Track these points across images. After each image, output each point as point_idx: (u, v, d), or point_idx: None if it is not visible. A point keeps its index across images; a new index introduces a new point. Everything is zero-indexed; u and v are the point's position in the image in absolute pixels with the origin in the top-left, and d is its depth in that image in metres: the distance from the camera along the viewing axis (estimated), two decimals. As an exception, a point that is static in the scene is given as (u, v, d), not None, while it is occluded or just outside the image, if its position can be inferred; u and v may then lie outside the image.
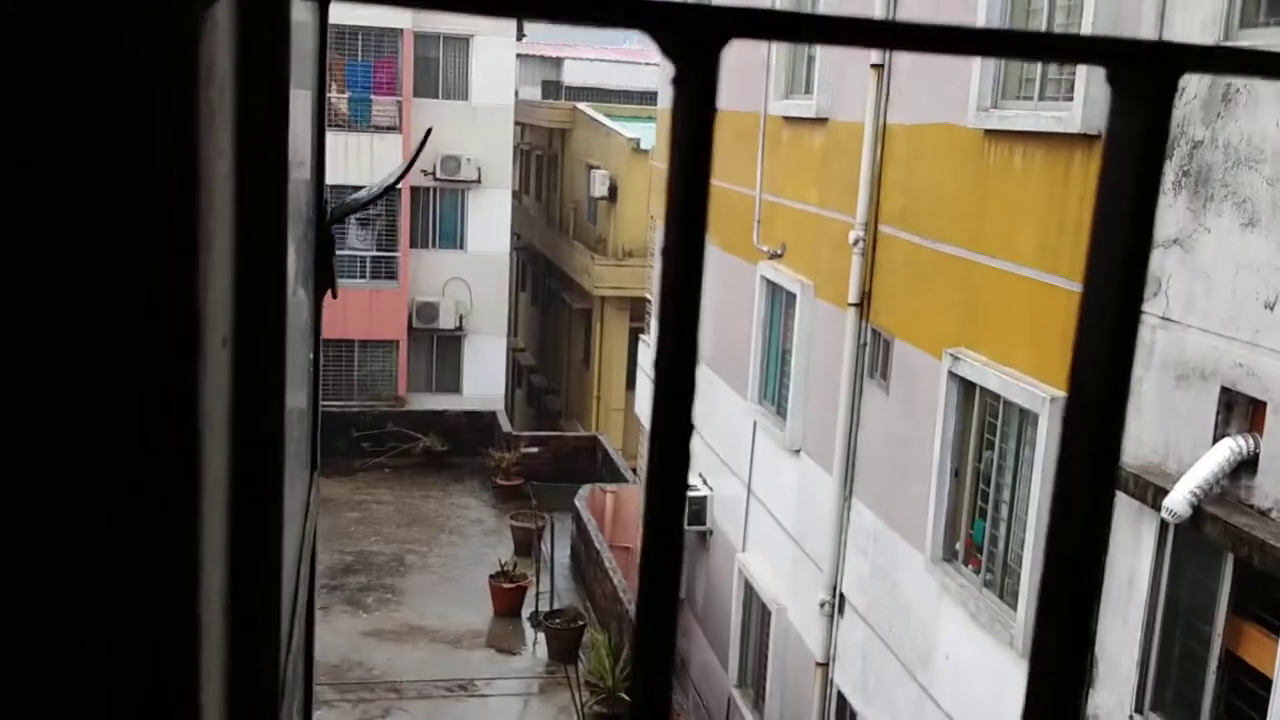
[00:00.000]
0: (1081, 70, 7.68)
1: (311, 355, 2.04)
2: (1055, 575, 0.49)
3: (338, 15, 24.98)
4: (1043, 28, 8.45)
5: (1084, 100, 7.64)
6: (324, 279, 2.04)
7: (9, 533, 0.56)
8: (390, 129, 26.28)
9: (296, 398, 1.61)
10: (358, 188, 26.27)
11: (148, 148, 0.51)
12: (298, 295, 1.67)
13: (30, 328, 0.54)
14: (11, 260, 0.52)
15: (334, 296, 2.13)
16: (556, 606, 18.03)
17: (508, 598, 18.41)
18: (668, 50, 0.36)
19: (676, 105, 0.37)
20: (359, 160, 25.45)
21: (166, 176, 0.52)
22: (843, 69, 11.56)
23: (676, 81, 0.36)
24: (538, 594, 18.23)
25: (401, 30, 26.25)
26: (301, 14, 1.49)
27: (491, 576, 18.60)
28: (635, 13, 0.36)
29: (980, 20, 8.90)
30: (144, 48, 0.50)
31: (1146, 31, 7.05)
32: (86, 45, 0.49)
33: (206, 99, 0.56)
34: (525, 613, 18.43)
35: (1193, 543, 6.71)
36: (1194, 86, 6.70)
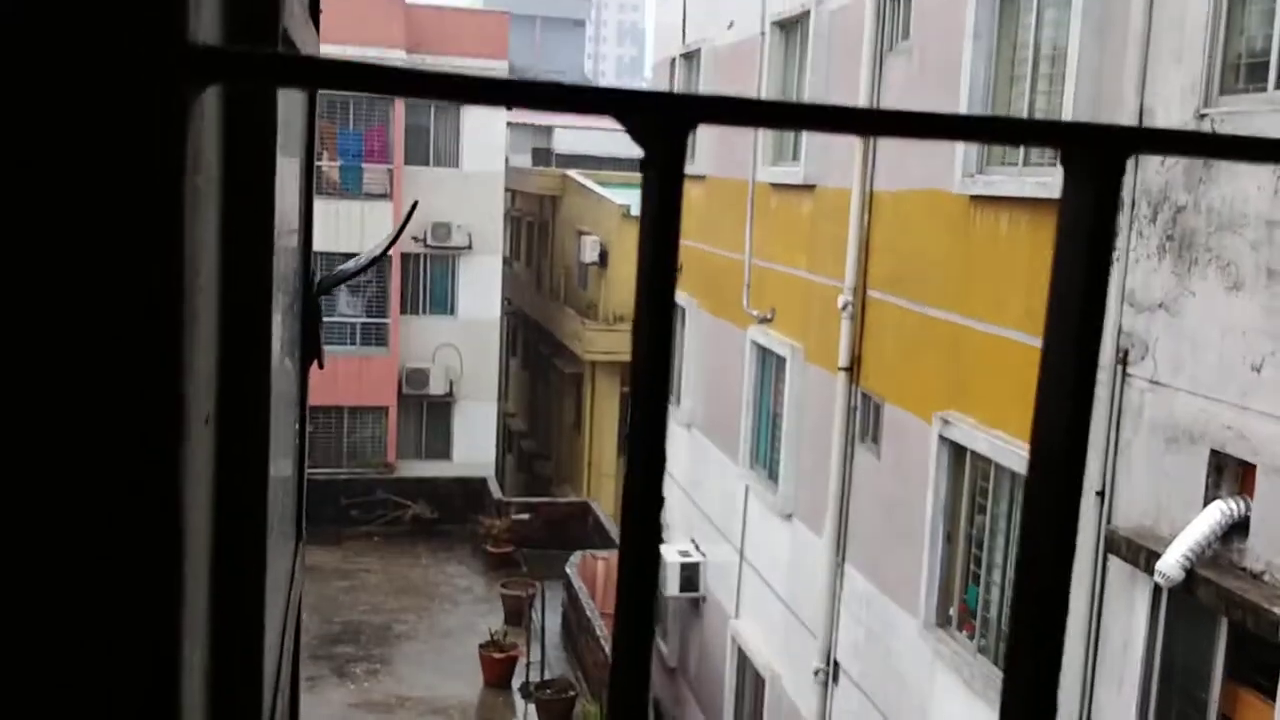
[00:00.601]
0: (1065, 136, 7.77)
1: (297, 425, 2.03)
2: (1022, 631, 0.50)
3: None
4: (1025, 95, 8.57)
5: (1068, 166, 7.72)
6: (311, 349, 2.04)
7: None
8: (381, 196, 26.45)
9: (281, 468, 1.61)
10: (349, 254, 26.32)
11: (132, 234, 0.52)
12: (284, 365, 1.67)
13: (13, 411, 0.54)
14: None
15: (320, 367, 2.13)
16: (547, 676, 17.82)
17: (498, 668, 18.19)
18: (637, 135, 0.37)
19: (645, 185, 0.38)
20: (350, 227, 25.59)
21: (150, 262, 0.53)
22: (829, 136, 11.69)
23: (645, 164, 0.37)
24: (528, 664, 18.03)
25: (393, 99, 26.52)
26: (289, 96, 1.51)
27: (481, 646, 18.40)
28: (607, 100, 0.37)
29: (964, 88, 9.02)
30: (131, 137, 0.50)
31: (1129, 99, 7.15)
32: (74, 134, 0.50)
33: (192, 186, 0.57)
34: (516, 683, 18.21)
35: (1186, 606, 6.68)
36: (1176, 152, 6.77)
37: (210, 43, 0.71)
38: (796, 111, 0.39)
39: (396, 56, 26.37)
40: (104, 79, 0.49)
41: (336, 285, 2.78)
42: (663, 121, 0.36)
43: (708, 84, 15.43)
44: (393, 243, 3.48)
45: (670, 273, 0.38)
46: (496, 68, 27.71)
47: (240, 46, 0.53)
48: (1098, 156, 0.45)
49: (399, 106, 26.61)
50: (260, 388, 0.99)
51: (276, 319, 1.45)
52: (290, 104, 1.62)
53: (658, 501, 0.44)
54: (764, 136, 13.29)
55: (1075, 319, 0.46)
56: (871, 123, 0.44)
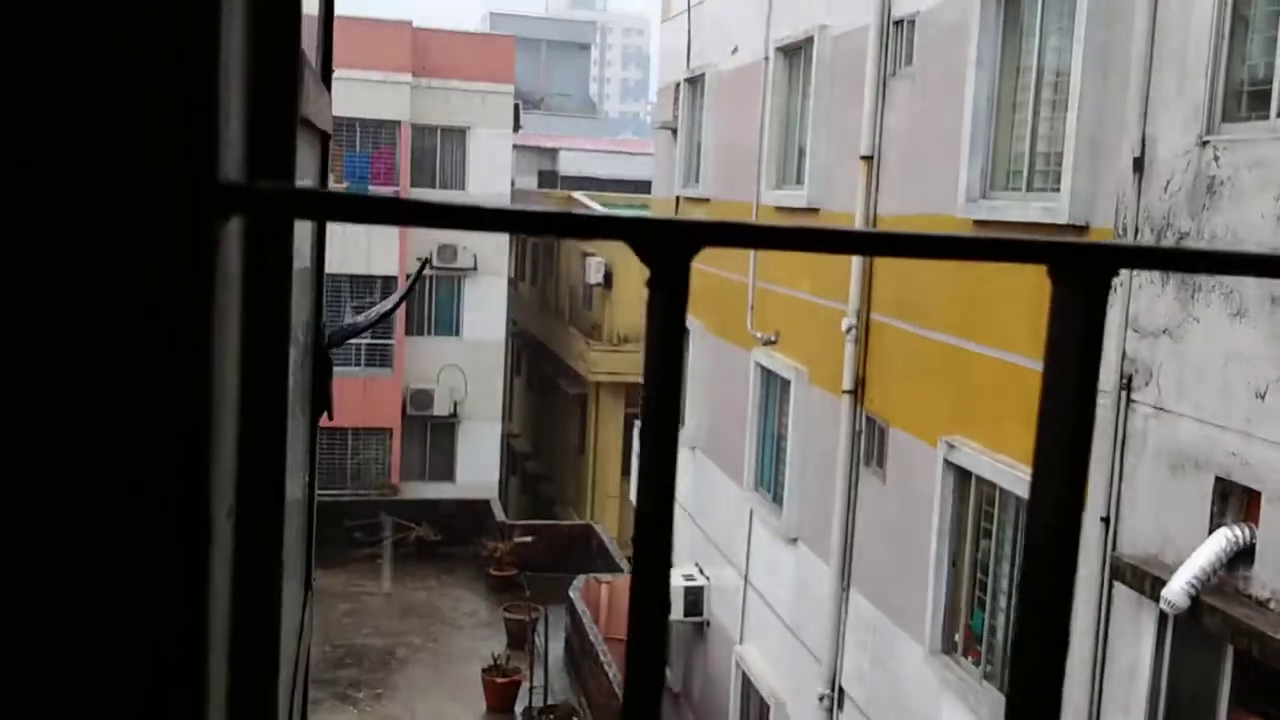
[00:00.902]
0: (1068, 161, 7.80)
1: (307, 477, 2.04)
2: (1026, 650, 0.52)
3: (337, 107, 25.31)
4: (1028, 122, 8.60)
5: (1071, 191, 7.75)
6: (321, 401, 2.05)
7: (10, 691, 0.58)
8: (386, 219, 26.49)
9: (292, 527, 1.62)
10: (355, 276, 26.46)
11: (165, 356, 0.56)
12: (295, 420, 1.69)
13: (58, 518, 0.57)
14: (26, 451, 0.56)
15: (330, 418, 2.14)
16: (550, 702, 17.76)
17: (501, 693, 18.14)
18: (644, 258, 0.39)
19: (651, 304, 0.40)
20: (356, 250, 25.66)
21: (182, 382, 0.56)
22: (833, 161, 11.73)
23: (651, 284, 0.39)
24: (531, 688, 17.97)
25: (399, 122, 26.64)
26: (302, 161, 1.53)
27: (484, 670, 18.35)
28: (617, 226, 0.38)
29: (966, 115, 9.05)
30: (165, 267, 0.54)
31: (1131, 126, 7.17)
32: (112, 265, 0.54)
33: (220, 305, 0.60)
34: (519, 708, 18.15)
35: (1192, 634, 6.66)
36: (1179, 178, 6.80)
37: (233, 155, 0.76)
38: (798, 235, 0.41)
39: (403, 80, 26.50)
40: (140, 214, 0.53)
41: (348, 339, 2.81)
42: (670, 246, 0.37)
43: (712, 108, 15.49)
44: (405, 297, 3.53)
45: (675, 388, 0.40)
46: (502, 91, 27.83)
47: (265, 185, 0.56)
48: (1086, 272, 0.46)
49: (405, 130, 26.72)
50: (277, 478, 1.03)
51: (289, 375, 1.48)
52: (309, 158, 1.64)
53: (666, 569, 0.45)
54: (768, 159, 13.33)
55: (1068, 426, 0.47)
56: (876, 244, 0.46)
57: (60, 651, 0.58)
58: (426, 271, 27.20)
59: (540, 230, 0.39)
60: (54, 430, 0.56)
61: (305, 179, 1.69)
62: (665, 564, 0.42)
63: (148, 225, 0.53)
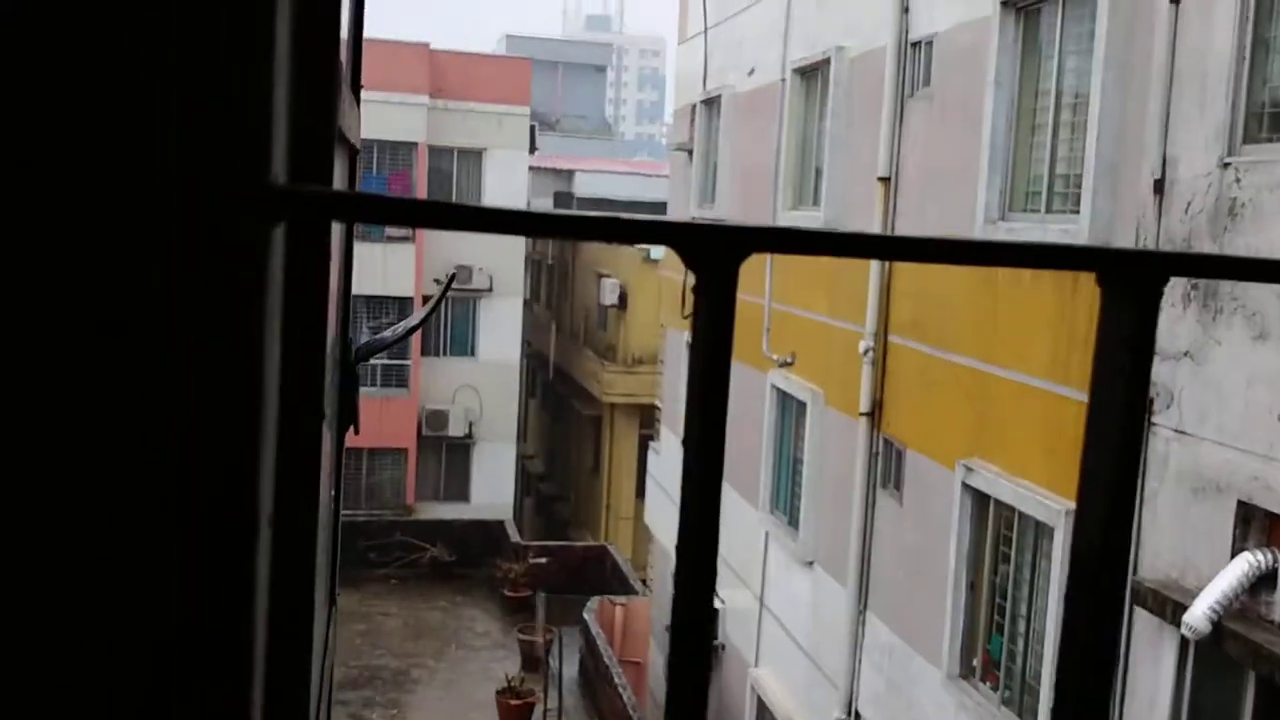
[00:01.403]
0: (1088, 182, 7.77)
1: (333, 491, 2.03)
2: (1069, 685, 0.51)
3: (353, 129, 25.44)
4: (1047, 144, 8.57)
5: (1091, 213, 7.71)
6: (347, 417, 2.04)
7: None
8: (403, 239, 26.63)
9: (320, 535, 1.62)
10: (371, 297, 26.55)
11: (221, 355, 0.57)
12: (324, 437, 1.69)
13: (104, 516, 0.57)
14: (86, 458, 0.57)
15: (356, 433, 2.14)
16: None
17: (514, 715, 18.06)
18: (691, 264, 0.37)
19: (698, 309, 0.38)
20: (373, 270, 25.74)
21: (234, 382, 0.58)
22: (850, 182, 11.71)
23: (698, 290, 0.37)
24: (545, 711, 17.90)
25: (416, 144, 26.77)
26: (340, 169, 1.55)
27: (498, 693, 18.29)
28: (664, 232, 0.37)
29: (985, 135, 9.03)
30: (220, 270, 0.56)
31: (1151, 147, 7.13)
32: (170, 266, 0.55)
33: (268, 308, 0.62)
34: (533, 729, 18.07)
35: (1214, 660, 6.58)
36: (1199, 200, 6.76)
37: (280, 163, 0.77)
38: (844, 240, 0.39)
39: (420, 101, 26.63)
40: (198, 218, 0.54)
41: (374, 354, 2.81)
42: (717, 252, 0.36)
43: (728, 129, 15.51)
44: (431, 313, 3.53)
45: (723, 397, 0.38)
46: (519, 113, 27.95)
47: (310, 188, 0.56)
48: (1136, 281, 0.45)
49: (422, 151, 26.84)
50: (312, 487, 1.04)
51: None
52: (341, 171, 1.64)
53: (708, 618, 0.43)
54: (784, 180, 13.32)
55: (1115, 438, 0.47)
56: (917, 250, 0.44)
57: (100, 655, 0.59)
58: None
59: (583, 235, 0.37)
60: (105, 434, 0.57)
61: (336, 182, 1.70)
62: (709, 583, 0.40)
63: (201, 231, 0.54)
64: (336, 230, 1.57)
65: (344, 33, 1.96)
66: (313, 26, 0.95)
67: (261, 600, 0.79)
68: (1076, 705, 0.49)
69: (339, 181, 1.51)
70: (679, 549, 0.42)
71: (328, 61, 1.00)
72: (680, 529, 0.41)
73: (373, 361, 27.03)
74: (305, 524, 1.01)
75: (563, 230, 0.37)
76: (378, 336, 3.03)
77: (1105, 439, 0.48)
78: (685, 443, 0.40)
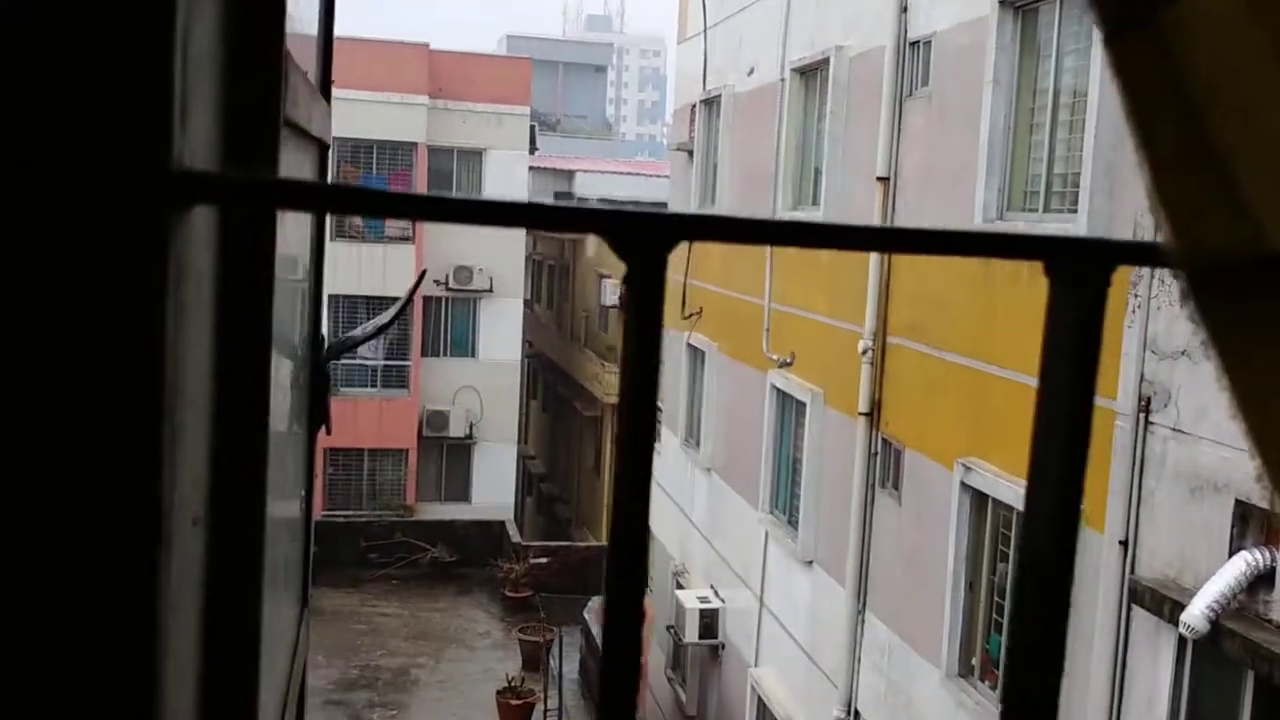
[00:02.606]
0: (1085, 181, 7.77)
1: (304, 493, 2.03)
2: (1017, 686, 0.50)
3: (354, 129, 25.51)
4: (1045, 142, 8.58)
5: (1089, 212, 7.71)
6: (318, 417, 2.04)
7: None
8: (403, 240, 26.64)
9: (286, 540, 1.61)
10: (372, 298, 26.55)
11: (111, 347, 0.55)
12: (291, 435, 1.68)
13: None
14: None
15: (328, 433, 2.13)
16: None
17: (515, 714, 18.07)
18: (620, 252, 0.37)
19: (629, 300, 0.38)
20: (373, 271, 25.77)
21: (130, 375, 0.56)
22: (849, 182, 11.72)
23: (628, 280, 0.37)
24: (545, 711, 17.91)
25: (416, 144, 26.78)
26: (299, 169, 1.53)
27: (499, 693, 18.29)
28: (594, 220, 0.37)
29: (983, 134, 9.03)
30: (114, 257, 0.54)
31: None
32: (60, 254, 0.54)
33: (178, 299, 0.60)
34: (534, 729, 18.08)
35: (1212, 659, 6.59)
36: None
37: (204, 148, 0.76)
38: (778, 228, 0.39)
39: (419, 102, 26.64)
40: (92, 205, 0.53)
41: (345, 352, 2.80)
42: (646, 240, 0.36)
43: (728, 129, 15.51)
44: (401, 311, 3.52)
45: (653, 385, 0.38)
46: (519, 113, 27.95)
47: (223, 173, 0.56)
48: (1084, 269, 0.45)
49: (422, 151, 26.85)
50: (256, 487, 1.03)
51: (282, 386, 1.46)
52: (303, 165, 1.64)
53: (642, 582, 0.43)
54: (784, 180, 13.33)
55: (1064, 426, 0.47)
56: (863, 239, 0.44)
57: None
58: (443, 293, 27.36)
59: (512, 222, 0.37)
60: None
61: (302, 172, 1.69)
62: (639, 585, 0.40)
63: (91, 213, 0.53)
64: (297, 223, 1.56)
65: (308, 29, 1.96)
66: (250, 16, 0.94)
67: (187, 598, 0.78)
68: (1025, 706, 0.49)
69: (297, 175, 1.50)
70: (609, 553, 0.42)
71: (268, 51, 0.99)
72: (611, 529, 0.41)
73: (372, 362, 27.05)
74: (249, 523, 1.00)
75: (482, 217, 0.37)
76: (349, 335, 3.03)
77: (1054, 429, 0.48)
78: (617, 438, 0.40)
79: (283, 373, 1.44)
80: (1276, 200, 0.42)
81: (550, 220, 0.38)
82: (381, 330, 3.65)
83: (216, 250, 0.84)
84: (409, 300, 3.57)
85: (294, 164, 1.41)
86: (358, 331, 3.14)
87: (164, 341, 0.56)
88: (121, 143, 0.53)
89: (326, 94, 2.07)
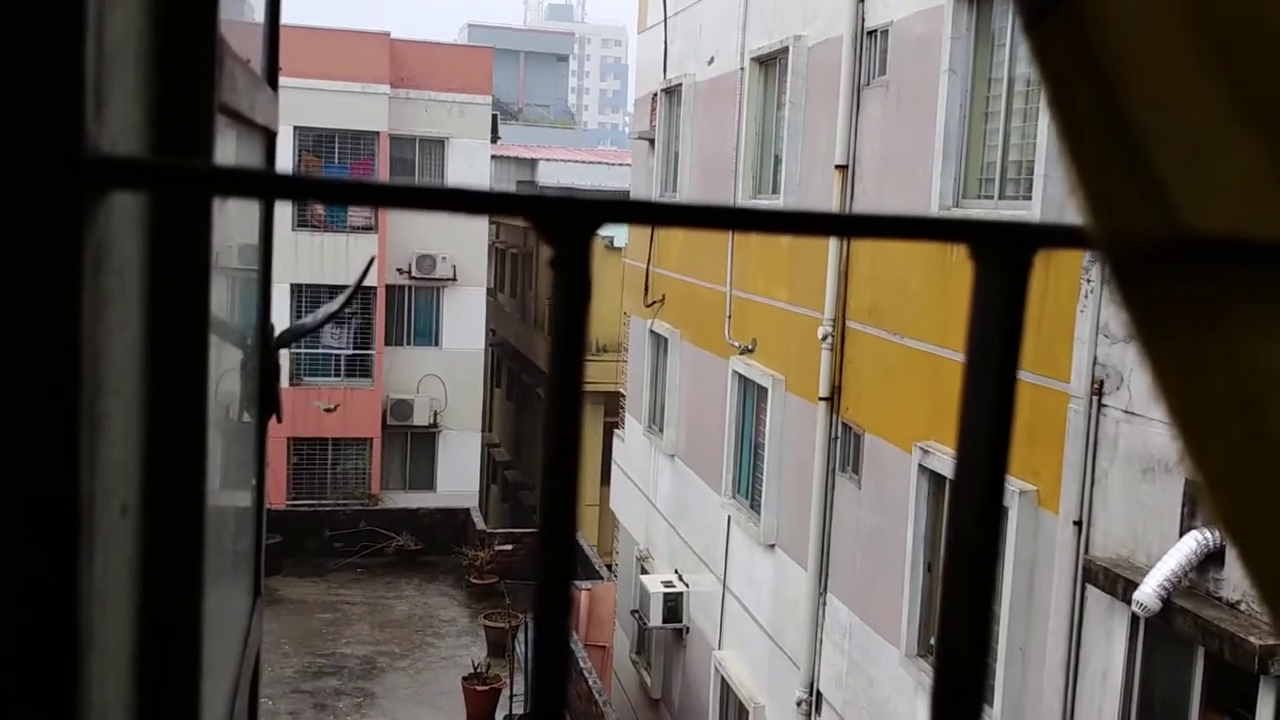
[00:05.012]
0: (1039, 168, 7.88)
1: (255, 481, 2.05)
2: (948, 666, 0.51)
3: (316, 119, 25.32)
4: (1000, 130, 8.69)
5: (1042, 199, 7.83)
6: (268, 405, 2.06)
7: None
8: (366, 229, 26.50)
9: (233, 531, 1.62)
10: (335, 286, 26.35)
11: (22, 338, 0.55)
12: (240, 424, 1.70)
13: None
14: None
15: (279, 420, 2.16)
16: (531, 709, 17.70)
17: (481, 700, 18.11)
18: (544, 236, 0.41)
19: (556, 282, 0.42)
20: (335, 260, 25.62)
21: (41, 361, 0.55)
22: (808, 170, 11.80)
23: (554, 264, 0.41)
24: (511, 695, 17.95)
25: (378, 133, 26.62)
26: (246, 158, 1.54)
27: (465, 679, 18.32)
28: (518, 204, 0.41)
29: (939, 122, 9.13)
30: (26, 243, 0.53)
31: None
32: None
33: (96, 284, 0.59)
34: (499, 715, 18.12)
35: (1164, 636, 6.72)
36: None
37: (129, 134, 0.73)
38: (701, 213, 0.44)
39: (381, 91, 26.49)
40: (2, 191, 0.52)
41: (294, 341, 2.82)
42: (569, 223, 0.40)
43: (689, 117, 15.55)
44: (351, 297, 3.52)
45: (578, 369, 0.41)
46: (481, 102, 27.85)
47: (145, 159, 0.55)
48: (1007, 252, 0.47)
49: (384, 140, 26.71)
50: (195, 469, 1.00)
51: (230, 372, 1.48)
52: (249, 149, 1.66)
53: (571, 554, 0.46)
54: (744, 168, 13.40)
55: (989, 407, 0.48)
56: (783, 223, 0.47)
57: None
58: (406, 281, 27.23)
59: (442, 207, 0.41)
60: None
61: (250, 160, 1.71)
62: (569, 573, 0.43)
63: (2, 199, 0.52)
64: (244, 211, 1.55)
65: (252, 17, 1.96)
66: (178, 4, 0.92)
67: (115, 588, 0.75)
68: (954, 685, 0.49)
69: (242, 162, 1.49)
70: (539, 534, 0.45)
71: (200, 38, 0.97)
72: (540, 515, 0.44)
73: (336, 351, 26.91)
74: (187, 511, 0.98)
75: (410, 202, 0.40)
76: (299, 323, 3.05)
77: (978, 411, 0.49)
78: (545, 422, 0.43)
79: (228, 360, 1.44)
80: (1190, 182, 0.42)
81: (475, 205, 0.41)
82: (331, 317, 3.65)
83: (147, 238, 0.82)
84: (358, 287, 3.56)
85: (236, 151, 1.41)
86: (308, 319, 3.17)
87: (79, 328, 0.56)
88: (31, 129, 0.52)
89: (273, 82, 2.08)
